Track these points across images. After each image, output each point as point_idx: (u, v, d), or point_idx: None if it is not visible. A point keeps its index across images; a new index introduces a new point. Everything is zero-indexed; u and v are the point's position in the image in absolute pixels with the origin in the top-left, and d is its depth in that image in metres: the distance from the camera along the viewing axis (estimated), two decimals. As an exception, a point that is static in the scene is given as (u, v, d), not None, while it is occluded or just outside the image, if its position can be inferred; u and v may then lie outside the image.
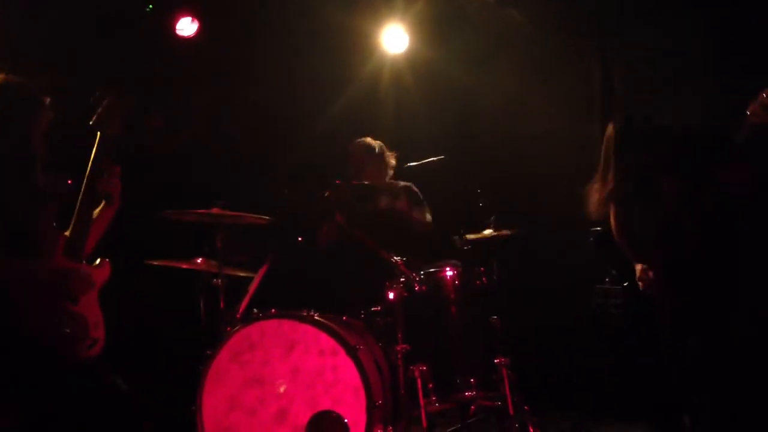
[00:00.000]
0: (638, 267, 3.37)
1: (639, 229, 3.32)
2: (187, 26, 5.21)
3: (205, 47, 5.27)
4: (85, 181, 2.81)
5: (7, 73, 2.79)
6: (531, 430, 3.70)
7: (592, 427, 4.36)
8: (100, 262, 2.90)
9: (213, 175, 5.13)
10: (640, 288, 3.33)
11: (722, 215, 3.16)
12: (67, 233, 2.77)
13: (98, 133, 2.87)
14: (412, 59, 5.51)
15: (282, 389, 3.37)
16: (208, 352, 3.47)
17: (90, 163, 2.84)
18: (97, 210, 2.92)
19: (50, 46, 4.64)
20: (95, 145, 2.85)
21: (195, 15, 5.22)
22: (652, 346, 3.56)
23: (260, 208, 3.90)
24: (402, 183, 4.66)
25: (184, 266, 3.90)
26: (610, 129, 3.34)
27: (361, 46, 5.49)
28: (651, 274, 3.26)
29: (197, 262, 3.90)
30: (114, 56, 4.85)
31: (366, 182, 4.43)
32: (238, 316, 3.65)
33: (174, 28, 5.20)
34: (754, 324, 3.49)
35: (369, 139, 4.66)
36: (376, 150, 4.61)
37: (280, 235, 4.34)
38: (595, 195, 3.39)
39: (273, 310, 3.57)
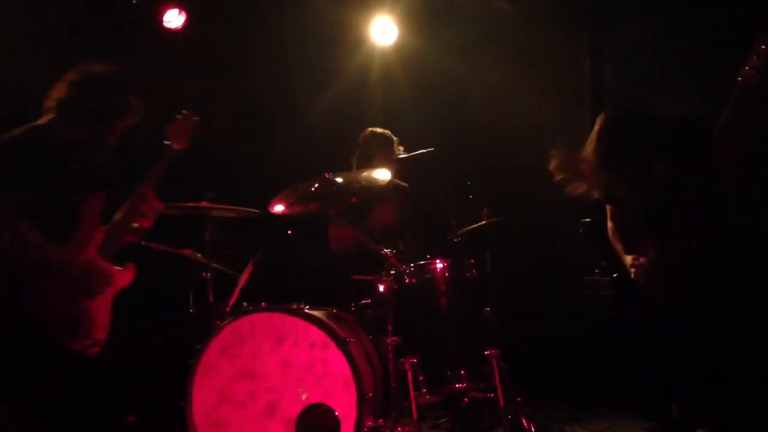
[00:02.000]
0: (628, 258, 3.38)
1: (635, 219, 3.34)
2: (174, 18, 5.17)
3: (192, 39, 5.23)
4: (141, 184, 2.84)
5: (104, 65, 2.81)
6: (523, 420, 3.71)
7: (582, 417, 4.37)
8: (126, 266, 2.87)
9: (201, 167, 5.10)
10: (633, 277, 3.34)
11: (715, 199, 3.18)
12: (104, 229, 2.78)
13: (167, 144, 2.95)
14: (401, 51, 5.50)
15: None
16: (198, 345, 3.46)
17: (151, 170, 2.89)
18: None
19: (37, 39, 4.60)
20: (163, 156, 2.94)
21: (182, 7, 5.18)
22: (642, 337, 3.58)
23: (249, 201, 3.88)
24: (400, 184, 4.58)
25: (175, 251, 3.89)
26: (600, 122, 3.36)
27: (350, 38, 5.46)
28: (643, 260, 3.27)
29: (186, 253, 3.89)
30: (100, 49, 4.81)
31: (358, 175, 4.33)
32: (227, 309, 3.64)
33: (161, 21, 5.16)
34: (751, 308, 3.52)
35: (379, 129, 4.60)
36: (385, 140, 4.55)
37: (269, 228, 4.33)
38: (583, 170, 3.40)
39: (263, 304, 3.55)
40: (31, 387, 2.52)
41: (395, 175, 4.49)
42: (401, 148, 4.59)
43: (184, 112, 3.05)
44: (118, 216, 2.80)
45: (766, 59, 2.84)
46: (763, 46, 2.85)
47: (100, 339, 2.70)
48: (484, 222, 4.11)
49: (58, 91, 2.70)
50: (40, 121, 2.69)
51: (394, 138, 4.59)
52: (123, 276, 2.85)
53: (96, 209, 2.75)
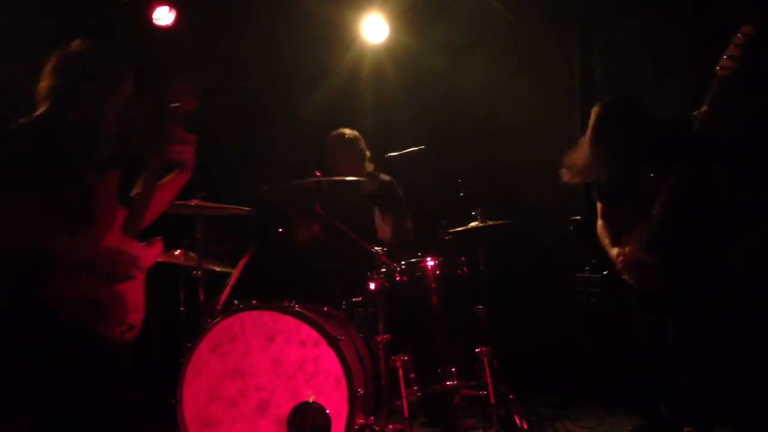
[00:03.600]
0: (614, 250, 3.40)
1: (626, 219, 3.35)
2: (164, 15, 5.14)
3: (183, 37, 5.20)
4: (152, 157, 2.72)
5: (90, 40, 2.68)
6: (515, 418, 3.72)
7: (573, 414, 4.38)
8: (151, 241, 2.76)
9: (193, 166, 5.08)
10: (619, 267, 3.36)
11: (706, 195, 3.20)
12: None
13: (171, 107, 2.79)
14: (392, 49, 5.49)
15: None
16: (188, 344, 3.45)
17: (160, 137, 2.75)
18: (168, 178, 2.82)
19: (28, 37, 4.57)
20: (167, 120, 2.78)
21: (172, 4, 5.16)
22: (632, 334, 3.59)
23: (240, 200, 3.87)
24: (385, 177, 4.60)
25: (164, 260, 3.87)
26: (595, 111, 3.40)
27: (341, 36, 5.46)
28: (628, 249, 3.29)
29: (176, 254, 3.87)
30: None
31: (338, 177, 4.33)
32: (218, 307, 3.63)
33: (151, 18, 5.13)
34: (748, 306, 3.53)
35: (343, 130, 4.60)
36: (345, 139, 4.55)
37: (260, 226, 4.32)
38: (575, 165, 3.44)
39: (253, 302, 3.55)
40: (59, 380, 2.44)
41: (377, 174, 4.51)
42: (368, 153, 4.58)
43: (186, 70, 2.88)
44: (137, 189, 2.71)
45: (743, 49, 2.87)
46: (740, 35, 2.88)
47: (135, 322, 2.62)
48: (476, 221, 4.11)
49: (44, 80, 2.65)
50: (37, 113, 2.63)
51: (360, 138, 4.57)
52: (151, 253, 2.73)
53: (112, 189, 2.66)
